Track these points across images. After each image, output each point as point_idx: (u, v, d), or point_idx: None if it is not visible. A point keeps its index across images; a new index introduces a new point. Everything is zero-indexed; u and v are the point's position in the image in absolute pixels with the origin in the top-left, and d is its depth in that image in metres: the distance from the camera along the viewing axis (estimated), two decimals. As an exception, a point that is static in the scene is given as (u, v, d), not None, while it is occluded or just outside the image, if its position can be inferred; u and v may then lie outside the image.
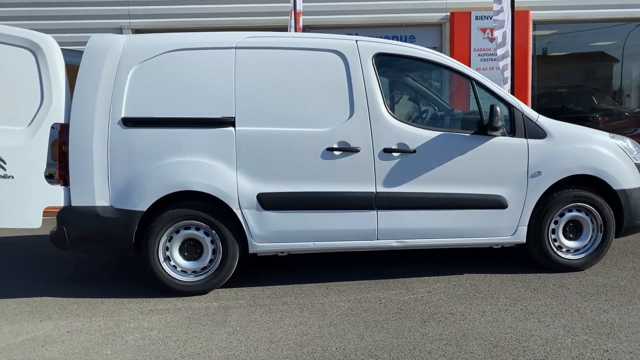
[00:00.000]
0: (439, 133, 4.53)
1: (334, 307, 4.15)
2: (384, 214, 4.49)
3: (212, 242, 4.43)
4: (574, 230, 4.80)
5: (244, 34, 4.51)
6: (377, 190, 4.46)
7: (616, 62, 18.79)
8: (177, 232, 4.41)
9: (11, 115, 4.21)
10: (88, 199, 4.29)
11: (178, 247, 4.43)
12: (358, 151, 4.42)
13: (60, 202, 4.30)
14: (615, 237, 4.85)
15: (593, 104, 15.58)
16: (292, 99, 4.42)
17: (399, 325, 3.80)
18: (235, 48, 4.42)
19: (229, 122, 4.34)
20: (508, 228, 4.64)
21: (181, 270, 4.44)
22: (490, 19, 8.73)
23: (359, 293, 4.44)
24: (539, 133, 4.63)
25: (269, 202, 4.36)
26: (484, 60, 8.95)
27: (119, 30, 8.66)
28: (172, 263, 4.43)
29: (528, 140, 4.60)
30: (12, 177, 4.19)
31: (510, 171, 4.58)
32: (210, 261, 4.46)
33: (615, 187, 4.69)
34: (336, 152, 4.41)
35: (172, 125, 4.32)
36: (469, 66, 6.06)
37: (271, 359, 3.36)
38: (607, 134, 4.89)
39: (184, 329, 3.83)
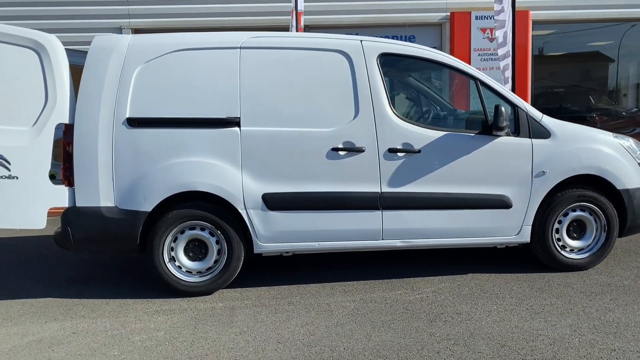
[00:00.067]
0: (443, 133, 4.53)
1: (340, 307, 4.15)
2: (389, 214, 4.49)
3: (217, 242, 4.43)
4: (577, 229, 4.82)
5: (248, 34, 4.51)
6: (382, 190, 4.46)
7: (612, 62, 18.88)
8: (182, 232, 4.40)
9: (15, 116, 4.19)
10: (93, 199, 4.27)
11: (183, 248, 4.42)
12: (363, 151, 4.41)
13: (64, 203, 4.28)
14: (619, 237, 4.87)
15: (590, 104, 15.64)
16: (297, 99, 4.41)
17: (406, 325, 3.80)
18: (240, 48, 4.41)
19: (234, 122, 4.33)
20: (512, 228, 4.65)
21: (186, 271, 4.43)
22: (490, 19, 8.76)
23: (364, 293, 4.44)
24: (543, 133, 4.65)
25: (274, 202, 4.36)
26: (484, 60, 8.97)
27: (119, 30, 8.63)
28: (177, 263, 4.42)
29: (532, 140, 4.61)
30: (17, 178, 4.17)
31: (515, 171, 4.59)
32: (215, 261, 4.45)
33: (618, 187, 4.71)
34: (341, 152, 4.40)
35: (177, 125, 4.31)
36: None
37: (279, 360, 3.36)
38: (611, 133, 4.91)
39: (190, 330, 3.82)
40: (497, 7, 7.23)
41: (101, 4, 8.64)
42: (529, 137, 4.61)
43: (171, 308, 4.23)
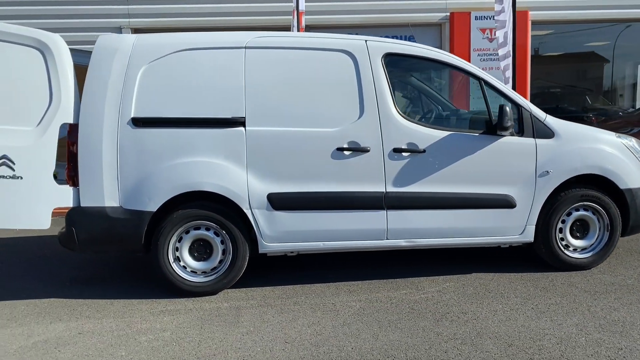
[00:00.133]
0: (448, 133, 4.54)
1: (346, 307, 4.15)
2: (394, 214, 4.50)
3: (222, 242, 4.42)
4: (580, 229, 4.84)
5: (253, 34, 4.50)
6: (387, 190, 4.47)
7: (607, 62, 18.98)
8: (187, 232, 4.39)
9: (20, 115, 4.17)
10: (97, 199, 4.26)
11: (188, 248, 4.41)
12: (368, 151, 4.42)
13: (69, 203, 4.27)
14: (621, 236, 4.89)
15: (586, 104, 15.71)
16: (302, 99, 4.41)
17: (413, 324, 3.81)
18: (245, 48, 4.40)
19: (239, 122, 4.32)
20: (516, 227, 4.67)
21: (191, 271, 4.43)
22: (490, 19, 8.78)
23: (369, 293, 4.44)
24: (546, 133, 4.66)
25: (279, 202, 4.36)
26: (484, 60, 8.99)
27: (119, 30, 8.61)
28: (181, 264, 4.41)
29: (536, 140, 4.63)
30: (21, 178, 4.15)
31: (519, 171, 4.60)
32: (220, 261, 4.44)
33: (621, 187, 4.73)
34: (346, 152, 4.41)
35: (182, 125, 4.30)
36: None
37: (288, 359, 3.36)
38: (614, 133, 4.93)
39: (197, 330, 3.81)
40: (497, 7, 7.25)
41: (101, 3, 8.61)
42: (533, 137, 4.63)
43: (176, 308, 4.22)
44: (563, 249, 4.78)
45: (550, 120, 4.72)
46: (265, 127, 4.35)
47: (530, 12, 9.11)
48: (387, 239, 4.54)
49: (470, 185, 4.55)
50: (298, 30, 7.22)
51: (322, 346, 3.52)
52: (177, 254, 4.39)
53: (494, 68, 8.60)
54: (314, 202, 4.40)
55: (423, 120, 5.14)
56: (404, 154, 4.46)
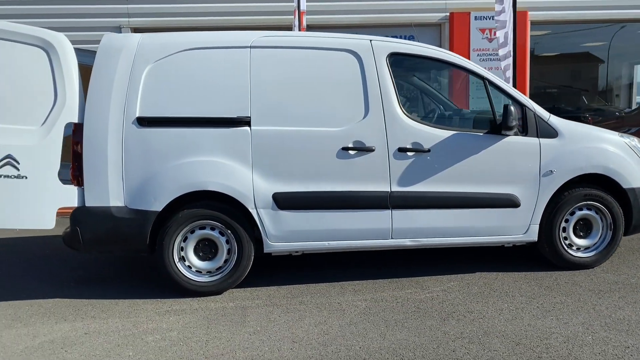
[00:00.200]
0: (452, 132, 4.55)
1: (352, 307, 4.15)
2: (399, 213, 4.51)
3: (227, 242, 4.41)
4: (584, 228, 4.86)
5: (258, 33, 4.50)
6: (392, 190, 4.47)
7: (602, 63, 19.09)
8: (192, 232, 4.38)
9: (24, 115, 4.15)
10: (102, 199, 4.24)
11: (193, 247, 4.40)
12: (373, 150, 4.42)
13: (74, 203, 4.25)
14: (624, 235, 4.91)
15: (583, 104, 15.79)
16: (307, 99, 4.42)
17: (420, 323, 3.82)
18: (250, 47, 4.40)
19: (245, 121, 4.32)
20: (520, 226, 4.68)
21: (196, 271, 4.42)
22: (489, 19, 8.81)
23: (375, 292, 4.44)
24: (550, 132, 4.68)
25: (284, 201, 4.36)
26: (483, 60, 9.00)
27: (118, 29, 8.58)
28: (186, 263, 4.40)
29: (540, 139, 4.65)
30: (26, 177, 4.13)
31: (523, 170, 4.62)
32: (225, 261, 4.44)
33: (624, 186, 4.76)
34: (351, 152, 4.41)
35: (188, 124, 4.30)
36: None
37: (297, 359, 3.35)
38: (617, 133, 4.96)
39: (203, 330, 3.81)
40: (498, 7, 7.27)
41: (100, 3, 8.57)
42: (537, 137, 4.65)
43: (182, 308, 4.21)
44: (567, 248, 4.80)
45: (554, 120, 4.74)
46: (270, 126, 4.34)
47: (528, 13, 9.13)
48: (392, 238, 4.55)
49: (475, 184, 4.57)
50: (299, 30, 7.22)
51: (330, 345, 3.52)
52: (182, 253, 4.38)
53: (493, 68, 8.61)
54: (319, 202, 4.41)
55: (428, 119, 5.16)
56: (408, 153, 4.47)
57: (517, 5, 7.32)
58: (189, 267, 4.40)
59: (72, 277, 5.03)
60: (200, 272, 4.42)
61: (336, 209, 4.44)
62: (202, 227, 4.38)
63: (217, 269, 4.44)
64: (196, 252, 4.42)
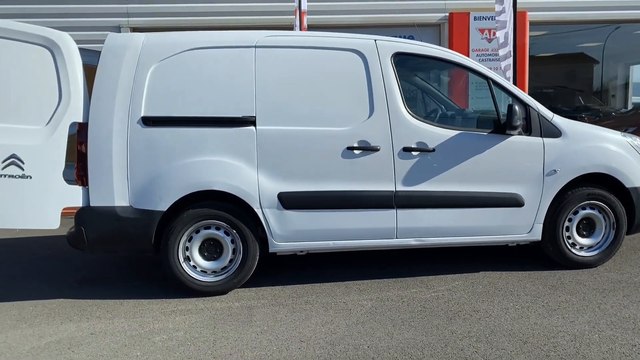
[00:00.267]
0: (457, 132, 4.56)
1: (358, 306, 4.15)
2: (403, 213, 4.51)
3: (233, 241, 4.41)
4: (587, 227, 4.88)
5: (263, 33, 4.50)
6: (397, 189, 4.48)
7: (597, 64, 19.18)
8: (197, 232, 4.37)
9: (29, 114, 4.13)
10: (107, 199, 4.23)
11: (198, 247, 4.39)
12: (378, 150, 4.43)
13: (78, 203, 4.24)
14: (626, 234, 4.94)
15: (579, 104, 15.86)
16: (312, 98, 4.42)
17: (426, 323, 3.82)
18: (255, 47, 4.40)
19: (250, 121, 4.32)
20: (524, 226, 4.70)
21: (201, 271, 4.41)
22: (488, 19, 8.84)
23: (380, 292, 4.45)
24: (554, 132, 4.70)
25: (290, 201, 4.35)
26: (482, 60, 9.01)
27: (117, 29, 8.54)
28: (191, 263, 4.39)
29: (544, 139, 4.66)
30: (30, 177, 4.11)
31: (527, 170, 4.64)
32: (231, 261, 4.43)
33: (627, 185, 4.78)
34: (356, 151, 4.41)
35: (193, 124, 4.29)
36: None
37: (305, 359, 3.35)
38: (619, 132, 4.99)
39: (210, 330, 3.80)
40: (498, 7, 7.29)
41: (99, 2, 8.54)
42: (541, 137, 4.66)
43: (187, 308, 4.20)
44: (570, 247, 4.82)
45: (558, 120, 4.76)
46: (275, 126, 4.34)
47: (527, 13, 9.16)
48: (396, 237, 4.56)
49: (479, 184, 4.58)
50: (300, 30, 7.21)
51: (338, 345, 3.52)
52: (187, 253, 4.37)
53: (492, 68, 8.62)
54: (324, 201, 4.41)
55: (432, 119, 5.16)
56: (413, 153, 4.48)
57: (517, 6, 7.35)
58: (194, 267, 4.40)
59: (75, 278, 5.01)
60: (206, 272, 4.41)
61: (341, 208, 4.44)
62: (207, 227, 4.37)
63: (222, 269, 4.43)
64: (201, 252, 4.41)
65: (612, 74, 18.54)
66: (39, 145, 4.12)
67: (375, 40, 4.55)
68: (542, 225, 4.73)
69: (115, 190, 4.22)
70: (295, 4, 7.39)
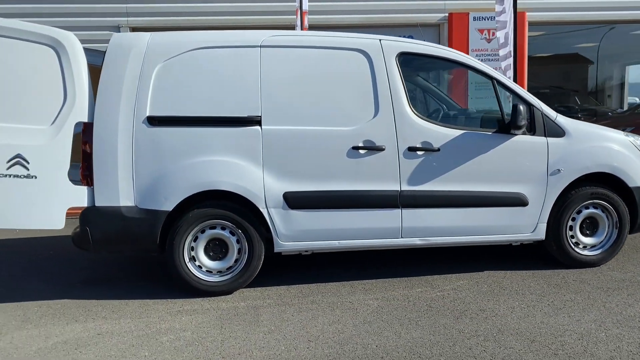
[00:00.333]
0: (462, 132, 4.57)
1: (364, 306, 4.16)
2: (408, 212, 4.52)
3: (238, 241, 4.40)
4: (590, 226, 4.90)
5: (268, 33, 4.50)
6: (402, 189, 4.49)
7: (592, 64, 19.26)
8: (203, 231, 4.36)
9: (34, 114, 4.11)
10: (112, 199, 4.22)
11: (203, 247, 4.39)
12: (383, 150, 4.43)
13: (83, 203, 4.22)
14: (629, 234, 4.96)
15: (575, 104, 15.92)
16: (317, 98, 4.42)
17: (433, 322, 3.83)
18: (260, 46, 4.39)
19: (255, 121, 4.31)
20: (528, 225, 4.72)
21: (206, 271, 4.40)
22: (488, 20, 8.85)
23: (385, 291, 4.45)
24: (557, 132, 4.72)
25: (295, 201, 4.35)
26: (482, 60, 9.01)
27: (117, 29, 8.51)
28: (197, 263, 4.38)
29: (548, 138, 4.68)
30: (35, 177, 4.09)
31: (531, 169, 4.66)
32: (236, 261, 4.43)
33: (630, 184, 4.81)
34: (361, 151, 4.42)
35: (198, 124, 4.28)
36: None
37: (314, 358, 3.35)
38: (622, 132, 5.01)
39: (217, 330, 3.80)
40: (498, 8, 7.31)
41: (99, 2, 8.51)
42: (545, 136, 4.68)
43: (193, 308, 4.19)
44: (573, 247, 4.84)
45: (561, 119, 4.79)
46: (281, 126, 4.34)
47: (526, 14, 9.19)
48: (401, 237, 4.56)
49: (484, 183, 4.59)
50: (302, 30, 7.21)
51: (347, 344, 3.52)
52: (193, 253, 4.36)
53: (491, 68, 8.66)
54: (329, 201, 4.41)
55: (437, 119, 5.17)
56: (418, 152, 4.49)
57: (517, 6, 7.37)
58: (200, 267, 4.39)
59: (79, 278, 4.99)
60: (211, 271, 4.41)
61: (346, 208, 4.45)
62: (213, 227, 4.37)
63: (228, 269, 4.43)
64: (206, 251, 4.40)
65: (607, 74, 18.61)
66: (44, 145, 4.10)
67: (380, 40, 4.56)
68: (545, 224, 4.75)
69: (120, 190, 4.21)
70: (297, 4, 7.39)
